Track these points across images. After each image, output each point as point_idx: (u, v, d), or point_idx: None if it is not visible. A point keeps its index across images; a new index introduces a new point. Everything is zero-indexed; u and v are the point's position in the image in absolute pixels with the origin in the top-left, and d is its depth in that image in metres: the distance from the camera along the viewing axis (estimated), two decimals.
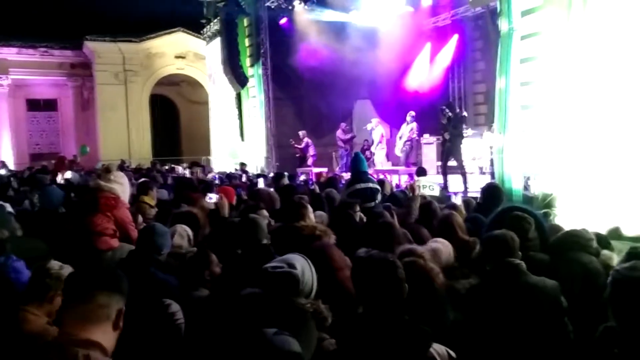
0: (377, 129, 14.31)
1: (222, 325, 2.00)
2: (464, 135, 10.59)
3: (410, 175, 10.78)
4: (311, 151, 14.49)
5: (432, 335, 1.90)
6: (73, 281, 1.70)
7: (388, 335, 1.85)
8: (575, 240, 3.34)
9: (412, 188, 5.05)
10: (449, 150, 10.10)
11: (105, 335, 1.61)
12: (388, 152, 15.34)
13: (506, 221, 3.24)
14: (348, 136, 14.71)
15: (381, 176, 10.47)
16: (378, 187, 5.82)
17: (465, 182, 9.79)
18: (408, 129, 13.04)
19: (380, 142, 14.26)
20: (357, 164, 6.15)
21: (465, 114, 11.60)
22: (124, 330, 1.69)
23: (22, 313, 2.22)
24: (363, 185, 5.64)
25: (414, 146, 13.25)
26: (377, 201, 5.57)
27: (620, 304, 1.53)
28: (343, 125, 15.04)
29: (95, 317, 1.60)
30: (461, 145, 10.22)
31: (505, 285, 2.55)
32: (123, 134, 23.88)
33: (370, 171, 12.07)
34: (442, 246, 3.21)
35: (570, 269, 3.13)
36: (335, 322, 2.13)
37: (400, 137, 13.24)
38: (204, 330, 2.12)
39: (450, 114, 10.12)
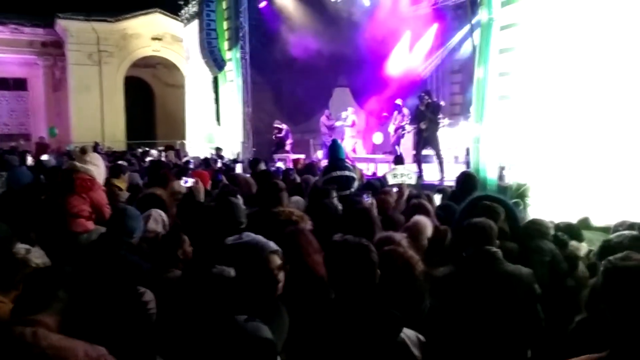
0: (349, 117, 14.22)
1: (194, 309, 1.96)
2: (440, 123, 10.64)
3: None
4: (290, 137, 14.39)
5: (402, 320, 1.90)
6: (33, 279, 1.91)
7: (358, 319, 1.85)
8: (538, 229, 3.54)
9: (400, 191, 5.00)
10: (426, 139, 10.13)
11: (52, 318, 1.80)
12: (364, 141, 15.36)
13: (476, 210, 3.29)
14: (332, 122, 14.55)
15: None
16: (354, 175, 5.83)
17: (442, 170, 9.86)
18: (399, 116, 12.98)
19: (352, 125, 14.18)
20: (335, 152, 6.14)
21: (442, 102, 11.64)
22: (96, 312, 1.88)
23: None
24: (339, 172, 5.64)
25: (404, 133, 13.16)
26: (353, 189, 5.57)
27: (614, 295, 1.54)
28: (327, 111, 14.90)
29: (48, 306, 1.80)
30: (438, 134, 10.27)
31: (482, 272, 2.57)
32: (96, 116, 23.34)
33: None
34: (425, 219, 3.24)
35: (540, 256, 3.29)
36: (306, 307, 2.12)
37: (394, 123, 13.15)
38: (175, 315, 2.08)
39: (429, 100, 10.14)
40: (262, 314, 1.63)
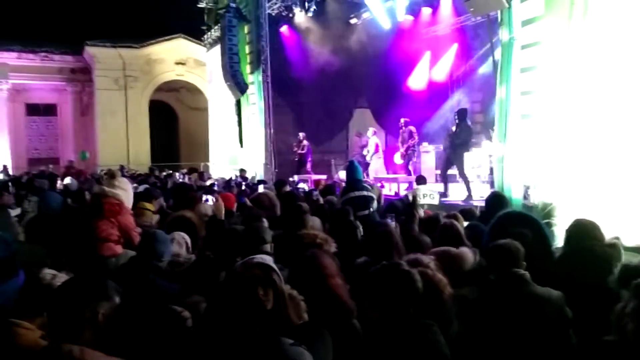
0: (372, 139, 14.27)
1: (234, 330, 1.97)
2: (469, 145, 10.54)
3: (410, 184, 10.75)
4: (309, 156, 14.47)
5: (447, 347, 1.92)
6: (56, 295, 1.92)
7: (406, 346, 1.85)
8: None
9: (413, 197, 4.99)
10: (450, 158, 10.10)
11: (89, 335, 1.83)
12: (385, 161, 15.36)
13: (504, 236, 3.22)
14: (365, 141, 14.53)
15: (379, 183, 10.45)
16: (373, 195, 5.80)
17: (468, 189, 9.78)
18: (405, 135, 12.93)
19: (376, 151, 14.21)
20: (352, 172, 6.15)
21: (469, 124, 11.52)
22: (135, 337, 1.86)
23: (13, 328, 2.10)
24: (357, 193, 5.64)
25: (416, 153, 13.13)
26: (371, 209, 5.55)
27: None
28: (357, 132, 15.01)
29: (80, 325, 1.82)
30: (464, 154, 10.18)
31: (510, 295, 2.54)
32: (122, 139, 23.87)
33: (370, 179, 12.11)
34: (469, 252, 3.21)
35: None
36: (329, 329, 2.12)
37: (402, 143, 13.12)
38: (212, 334, 2.09)
39: (457, 121, 10.09)
40: (305, 339, 1.63)
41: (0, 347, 2.02)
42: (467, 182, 9.81)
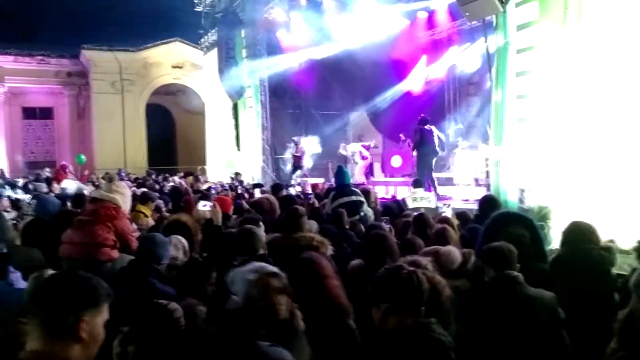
0: (349, 147, 14.24)
1: (217, 336, 1.99)
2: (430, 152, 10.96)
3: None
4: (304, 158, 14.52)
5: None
6: (32, 297, 1.71)
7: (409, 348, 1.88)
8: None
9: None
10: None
11: (70, 348, 1.62)
12: (383, 164, 15.38)
13: (501, 235, 3.23)
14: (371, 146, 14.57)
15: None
16: (362, 199, 5.81)
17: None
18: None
19: (363, 157, 14.19)
20: (341, 177, 6.16)
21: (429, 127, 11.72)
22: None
23: (19, 326, 2.08)
24: (346, 198, 5.64)
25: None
26: (361, 214, 5.55)
27: None
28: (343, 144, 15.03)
29: (55, 332, 1.62)
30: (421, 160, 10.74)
31: (503, 297, 2.56)
32: (119, 143, 23.86)
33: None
34: (456, 250, 3.23)
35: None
36: (325, 330, 2.13)
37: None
38: (199, 340, 2.11)
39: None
40: (280, 340, 1.65)
41: (6, 345, 2.04)
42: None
